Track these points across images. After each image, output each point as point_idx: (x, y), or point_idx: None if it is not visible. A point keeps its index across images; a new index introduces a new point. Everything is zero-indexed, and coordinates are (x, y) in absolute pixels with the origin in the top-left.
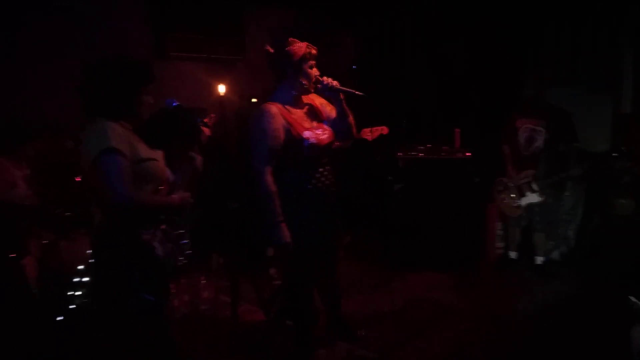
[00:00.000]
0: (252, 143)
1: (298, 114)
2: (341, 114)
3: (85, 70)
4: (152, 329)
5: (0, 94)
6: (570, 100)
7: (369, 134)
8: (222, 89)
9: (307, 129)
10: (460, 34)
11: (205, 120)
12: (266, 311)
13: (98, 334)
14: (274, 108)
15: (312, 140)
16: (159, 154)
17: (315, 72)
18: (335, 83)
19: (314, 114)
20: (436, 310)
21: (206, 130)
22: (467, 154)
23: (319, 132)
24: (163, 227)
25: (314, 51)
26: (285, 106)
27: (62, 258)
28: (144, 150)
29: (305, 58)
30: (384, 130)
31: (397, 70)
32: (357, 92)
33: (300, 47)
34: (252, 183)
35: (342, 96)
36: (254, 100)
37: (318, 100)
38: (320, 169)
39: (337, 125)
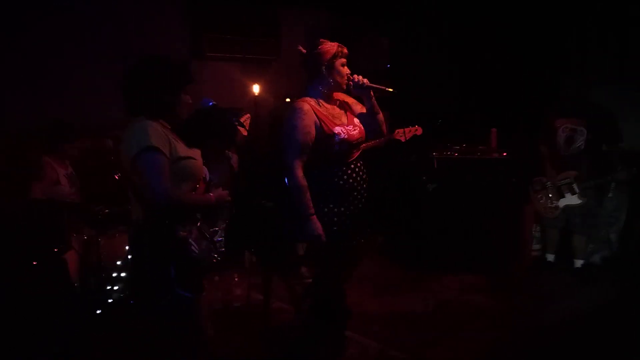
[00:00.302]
0: (284, 138)
1: (330, 110)
2: (371, 111)
3: (127, 71)
4: (185, 324)
5: (45, 95)
6: (616, 99)
7: (402, 134)
8: (256, 88)
9: (338, 125)
10: (498, 31)
11: (241, 119)
12: (298, 309)
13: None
14: (306, 105)
15: (343, 135)
16: (197, 153)
17: (346, 70)
18: (365, 81)
19: (345, 112)
20: (469, 313)
21: (242, 130)
22: (503, 154)
23: (349, 127)
24: (199, 224)
25: (345, 50)
26: (318, 102)
27: (100, 254)
28: (183, 149)
29: (336, 56)
30: (418, 130)
31: (433, 69)
32: (387, 89)
33: (331, 46)
34: (283, 179)
35: (372, 93)
36: (287, 100)
37: (348, 99)
38: (352, 166)
39: (367, 122)
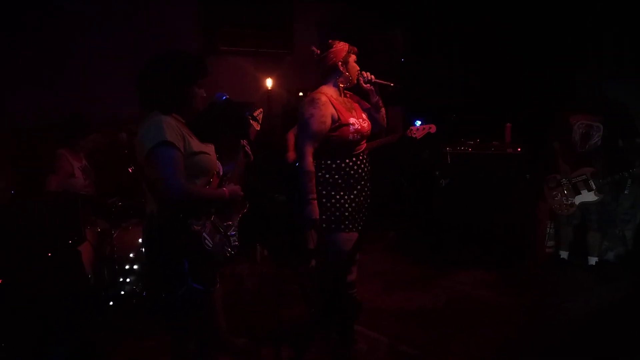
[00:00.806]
0: (300, 125)
1: (343, 103)
2: (376, 106)
3: (142, 66)
4: (199, 316)
5: (60, 91)
6: (631, 94)
7: (415, 132)
8: (269, 83)
9: (352, 116)
10: (514, 26)
11: (254, 114)
12: (309, 303)
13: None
14: (324, 96)
15: (357, 126)
16: (210, 148)
17: (357, 66)
18: (372, 77)
19: (355, 106)
20: (481, 309)
21: (255, 125)
22: (518, 149)
23: (360, 120)
24: (213, 218)
25: (355, 48)
26: (332, 96)
27: (114, 246)
28: (196, 144)
29: (348, 54)
30: (432, 128)
31: (447, 64)
32: (390, 84)
33: (343, 44)
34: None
35: (373, 88)
36: (300, 94)
37: (354, 97)
38: (360, 157)
39: (372, 118)
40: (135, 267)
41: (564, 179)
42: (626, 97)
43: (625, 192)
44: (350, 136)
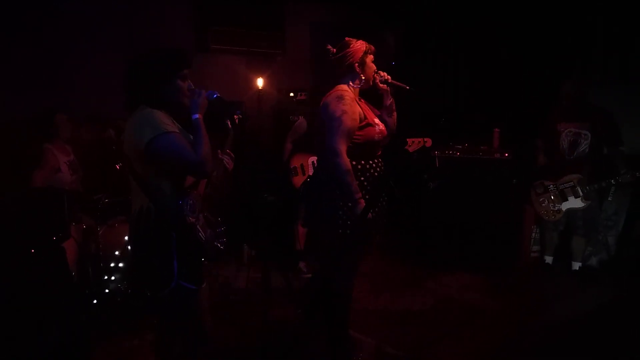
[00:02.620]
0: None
1: (362, 104)
2: (390, 108)
3: (127, 63)
4: (186, 315)
5: (48, 87)
6: (619, 100)
7: (410, 144)
8: (260, 82)
9: (374, 117)
10: (502, 31)
11: (244, 113)
12: (296, 304)
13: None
14: (349, 93)
15: (381, 126)
16: None
17: (373, 66)
18: (389, 77)
19: (371, 108)
20: (467, 312)
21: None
22: (505, 154)
23: (378, 121)
24: (206, 213)
25: (372, 47)
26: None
27: (99, 243)
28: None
29: (365, 55)
30: (427, 142)
31: (437, 67)
32: (406, 87)
33: (361, 44)
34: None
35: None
36: (291, 94)
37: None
38: (380, 159)
39: (383, 120)
40: (120, 264)
41: (551, 185)
42: (611, 104)
43: (609, 198)
44: (376, 136)
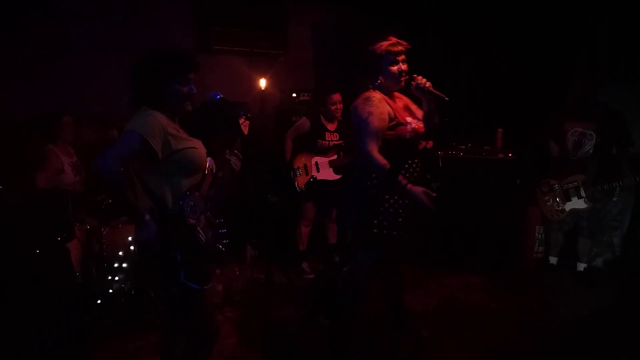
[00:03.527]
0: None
1: (395, 104)
2: (430, 114)
3: (131, 63)
4: (191, 315)
5: (51, 87)
6: (626, 100)
7: None
8: (263, 83)
9: (408, 115)
10: (506, 30)
11: (248, 115)
12: (299, 304)
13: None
14: (377, 94)
15: (414, 125)
16: (198, 143)
17: (403, 67)
18: (428, 84)
19: (408, 109)
20: (470, 313)
21: (245, 125)
22: (509, 154)
23: (415, 120)
24: (207, 214)
25: (400, 47)
26: (382, 96)
27: (103, 244)
28: (184, 139)
29: (383, 56)
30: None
31: (440, 67)
32: (445, 97)
33: (379, 46)
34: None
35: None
36: (294, 95)
37: (405, 99)
38: (417, 159)
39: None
40: (124, 265)
41: (556, 185)
42: (619, 104)
43: (614, 199)
44: (408, 135)
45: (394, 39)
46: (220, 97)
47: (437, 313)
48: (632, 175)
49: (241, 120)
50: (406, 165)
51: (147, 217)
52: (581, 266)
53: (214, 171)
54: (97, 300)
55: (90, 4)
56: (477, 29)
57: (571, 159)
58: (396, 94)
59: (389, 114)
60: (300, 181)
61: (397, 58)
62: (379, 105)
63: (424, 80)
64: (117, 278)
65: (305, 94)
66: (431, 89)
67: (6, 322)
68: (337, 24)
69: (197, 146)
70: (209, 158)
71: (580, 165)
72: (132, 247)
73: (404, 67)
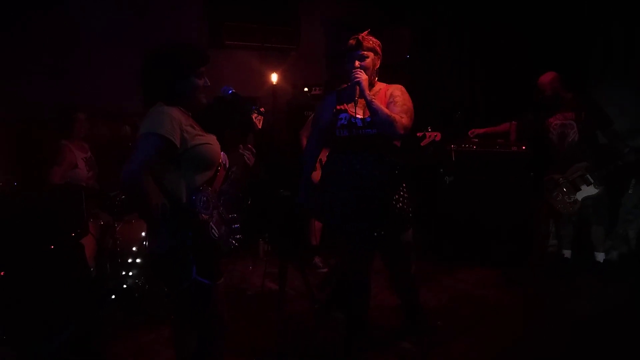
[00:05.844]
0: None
1: (352, 99)
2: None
3: (144, 59)
4: (203, 310)
5: (64, 83)
6: (625, 96)
7: (420, 138)
8: (274, 77)
9: (348, 112)
10: (516, 25)
11: (261, 109)
12: (312, 299)
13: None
14: (330, 94)
15: (344, 122)
16: (212, 138)
17: (356, 63)
18: (361, 78)
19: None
20: (483, 308)
21: (258, 120)
22: (522, 147)
23: (359, 116)
24: (220, 209)
25: (351, 42)
26: (341, 92)
27: (116, 239)
28: (199, 135)
29: (347, 51)
30: (437, 136)
31: (453, 61)
32: (357, 97)
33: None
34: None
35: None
36: (305, 89)
37: (390, 91)
38: (359, 156)
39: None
40: (137, 260)
41: (561, 178)
42: (621, 99)
43: (630, 191)
44: (337, 132)
45: (355, 36)
46: (232, 92)
47: (452, 308)
48: (632, 150)
49: (254, 116)
50: (341, 157)
51: (163, 229)
52: (600, 256)
53: (227, 166)
54: (111, 295)
55: (102, 0)
56: (488, 24)
57: (561, 152)
58: (380, 83)
59: (331, 108)
60: (315, 176)
61: (350, 56)
62: (321, 103)
63: (359, 74)
64: (130, 273)
65: (317, 89)
66: (355, 82)
67: (22, 317)
68: (348, 19)
69: (212, 142)
70: (222, 153)
71: (572, 155)
72: (145, 243)
73: (356, 64)
